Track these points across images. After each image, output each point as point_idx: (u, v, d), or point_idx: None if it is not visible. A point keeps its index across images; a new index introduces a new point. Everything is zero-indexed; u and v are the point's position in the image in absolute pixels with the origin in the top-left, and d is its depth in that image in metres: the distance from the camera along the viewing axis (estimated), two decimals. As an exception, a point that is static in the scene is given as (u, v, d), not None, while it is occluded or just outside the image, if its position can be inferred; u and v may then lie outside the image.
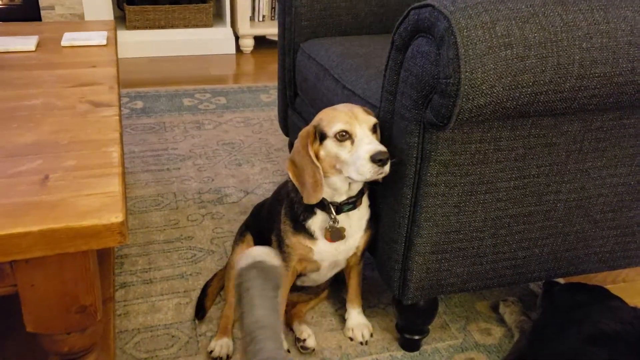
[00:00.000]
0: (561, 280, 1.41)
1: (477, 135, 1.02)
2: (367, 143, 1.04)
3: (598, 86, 0.96)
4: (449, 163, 1.03)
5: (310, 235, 1.17)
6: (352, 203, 1.14)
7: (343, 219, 1.16)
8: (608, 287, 1.26)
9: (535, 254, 1.21)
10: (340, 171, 1.08)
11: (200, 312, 1.34)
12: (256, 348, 0.97)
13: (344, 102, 1.33)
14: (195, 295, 1.41)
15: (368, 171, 1.03)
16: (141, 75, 3.00)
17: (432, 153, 1.02)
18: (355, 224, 1.18)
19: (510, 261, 1.20)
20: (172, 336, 1.30)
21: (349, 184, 1.11)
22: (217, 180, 1.97)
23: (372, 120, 1.09)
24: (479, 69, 0.89)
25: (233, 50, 3.44)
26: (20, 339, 1.18)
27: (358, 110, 1.10)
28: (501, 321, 1.38)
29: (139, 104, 2.59)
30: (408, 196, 1.08)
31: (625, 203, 1.21)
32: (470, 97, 0.91)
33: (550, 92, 0.95)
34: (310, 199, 1.09)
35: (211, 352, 1.23)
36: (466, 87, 0.90)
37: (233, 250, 1.39)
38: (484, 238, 1.15)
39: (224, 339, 1.25)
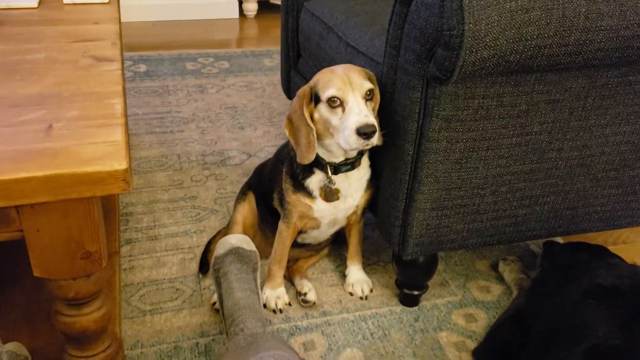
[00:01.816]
0: (560, 240, 1.43)
1: (480, 90, 1.02)
2: (357, 113, 1.03)
3: (604, 40, 0.96)
4: (452, 118, 1.03)
5: (309, 194, 1.18)
6: (350, 164, 1.15)
7: (342, 179, 1.16)
8: (610, 248, 1.27)
9: (536, 211, 1.22)
10: (333, 135, 1.09)
11: (203, 267, 1.36)
12: (238, 328, 1.00)
13: (347, 61, 1.33)
14: (199, 251, 1.43)
15: (354, 142, 1.03)
16: (144, 39, 2.98)
17: (435, 108, 1.02)
18: (355, 184, 1.18)
19: (511, 218, 1.21)
20: (177, 289, 1.32)
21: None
22: (220, 143, 1.98)
23: (367, 86, 1.07)
24: (483, 21, 0.89)
25: (236, 15, 3.41)
26: (27, 285, 1.21)
27: (355, 74, 1.07)
28: (500, 279, 1.40)
29: (142, 68, 2.58)
30: (409, 152, 1.09)
31: (628, 162, 1.21)
32: (474, 50, 0.91)
33: (554, 45, 0.94)
34: (303, 159, 1.10)
35: (214, 303, 1.25)
36: (470, 39, 0.89)
37: (235, 207, 1.41)
38: (485, 195, 1.15)
39: None
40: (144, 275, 1.36)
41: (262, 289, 1.29)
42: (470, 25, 0.88)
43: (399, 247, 1.19)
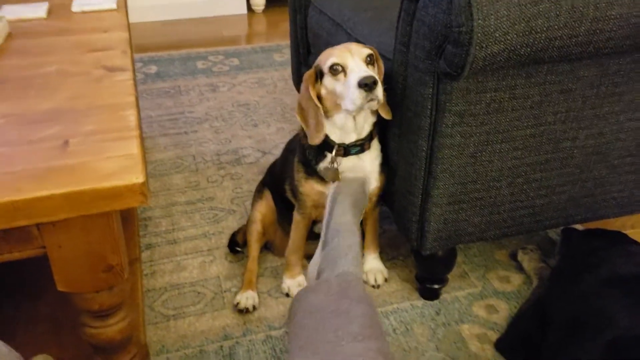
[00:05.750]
0: (579, 227, 1.42)
1: (491, 84, 1.01)
2: (357, 72, 1.06)
3: (614, 28, 0.94)
4: (464, 113, 1.03)
5: (322, 179, 1.20)
6: (359, 145, 1.16)
7: (355, 162, 1.18)
8: (628, 232, 1.26)
9: (553, 201, 1.21)
10: (340, 107, 1.11)
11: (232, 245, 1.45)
12: (334, 265, 0.93)
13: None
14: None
15: (358, 97, 1.05)
16: (154, 40, 3.00)
17: (447, 104, 1.01)
18: (369, 165, 1.20)
19: (528, 209, 1.20)
20: (198, 293, 1.34)
21: (355, 122, 1.13)
22: (235, 141, 1.99)
23: (366, 51, 1.11)
24: (492, 16, 0.88)
25: (244, 10, 3.40)
26: (53, 297, 1.23)
27: (353, 45, 1.12)
28: (520, 269, 1.40)
29: (153, 69, 2.59)
30: (424, 148, 1.08)
31: (645, 147, 1.20)
32: (484, 45, 0.90)
33: (565, 36, 0.93)
34: (314, 139, 1.13)
35: (237, 304, 1.27)
36: (479, 34, 0.89)
37: (253, 206, 1.43)
38: (501, 187, 1.15)
39: (248, 291, 1.30)
40: (165, 280, 1.38)
41: (282, 279, 1.34)
42: (479, 21, 0.88)
43: (418, 242, 1.19)
